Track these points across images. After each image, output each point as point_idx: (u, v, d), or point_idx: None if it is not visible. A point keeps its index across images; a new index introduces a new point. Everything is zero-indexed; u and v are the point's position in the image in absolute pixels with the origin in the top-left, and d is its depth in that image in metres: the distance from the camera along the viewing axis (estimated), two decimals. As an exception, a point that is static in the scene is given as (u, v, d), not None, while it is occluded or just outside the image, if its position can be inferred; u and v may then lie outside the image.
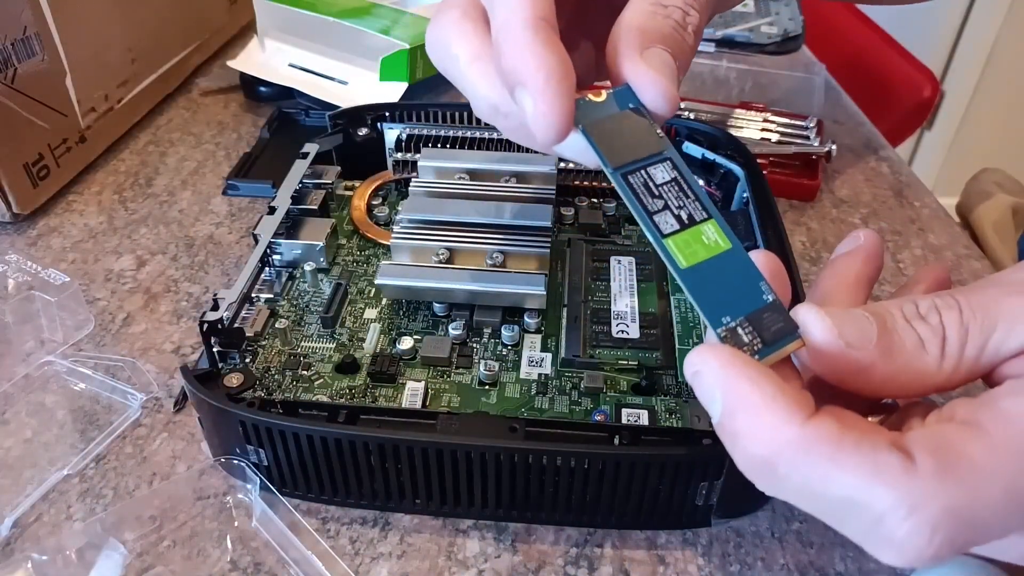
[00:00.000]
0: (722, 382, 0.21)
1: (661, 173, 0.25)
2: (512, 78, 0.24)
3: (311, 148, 0.44)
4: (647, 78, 0.24)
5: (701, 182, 0.45)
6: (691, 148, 0.45)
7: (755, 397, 0.21)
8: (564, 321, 0.37)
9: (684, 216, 0.24)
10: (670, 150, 0.25)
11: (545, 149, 0.26)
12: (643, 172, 0.25)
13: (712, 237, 0.24)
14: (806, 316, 0.23)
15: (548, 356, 0.35)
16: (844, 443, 0.20)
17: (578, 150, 0.25)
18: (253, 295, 0.37)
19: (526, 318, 0.37)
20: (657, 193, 0.25)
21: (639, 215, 0.24)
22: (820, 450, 0.20)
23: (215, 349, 0.33)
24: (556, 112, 0.23)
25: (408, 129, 0.46)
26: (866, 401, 0.25)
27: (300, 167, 0.43)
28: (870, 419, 0.25)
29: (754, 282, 0.24)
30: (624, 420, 0.32)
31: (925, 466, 0.19)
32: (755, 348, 0.23)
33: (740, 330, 0.23)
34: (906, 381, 0.22)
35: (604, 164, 0.25)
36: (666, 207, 0.24)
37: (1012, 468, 0.20)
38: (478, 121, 0.46)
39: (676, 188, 0.25)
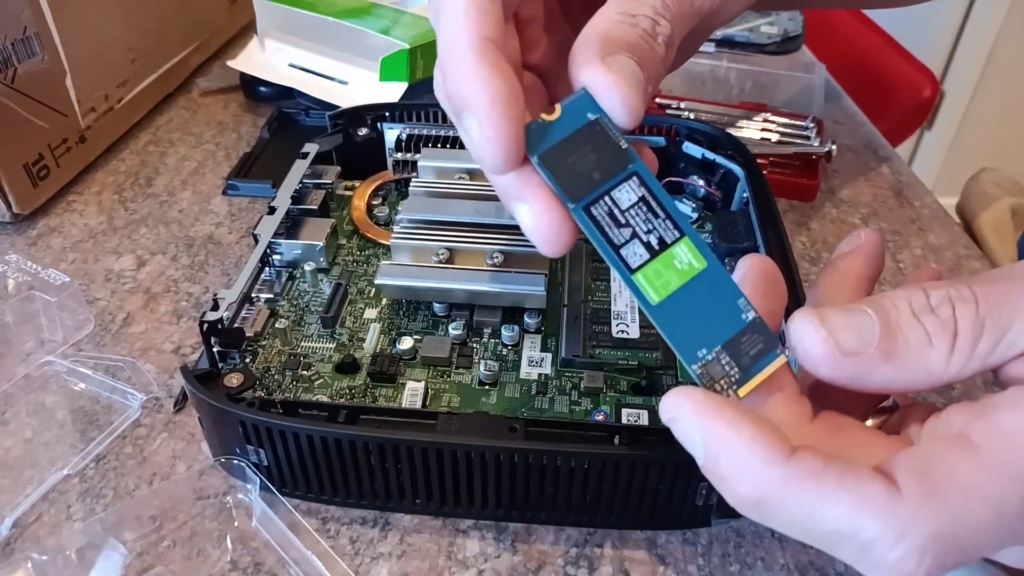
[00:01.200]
0: (699, 428, 0.21)
1: (627, 194, 0.23)
2: (456, 103, 0.23)
3: (311, 148, 0.44)
4: (606, 82, 0.22)
5: (700, 181, 0.45)
6: (691, 148, 0.45)
7: (734, 440, 0.21)
8: (564, 321, 0.37)
9: (654, 241, 0.23)
10: (635, 162, 0.23)
11: (496, 177, 0.24)
12: (607, 199, 0.23)
13: (685, 259, 0.23)
14: (800, 326, 0.22)
15: (548, 356, 0.35)
16: (828, 477, 0.20)
17: (535, 185, 0.23)
18: (253, 295, 0.37)
19: (526, 318, 0.37)
20: (623, 220, 0.23)
21: (604, 253, 0.23)
22: (805, 487, 0.20)
23: (215, 349, 0.33)
24: (502, 137, 0.22)
25: (408, 129, 0.46)
26: (868, 399, 0.25)
27: (300, 167, 0.43)
28: (869, 422, 0.25)
29: (732, 301, 0.23)
30: (624, 420, 0.32)
31: (910, 491, 0.19)
32: (733, 379, 0.22)
33: (716, 363, 0.22)
34: (910, 379, 0.22)
35: (564, 200, 0.23)
36: (634, 235, 0.23)
37: (1001, 489, 0.19)
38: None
39: (644, 208, 0.23)
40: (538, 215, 0.23)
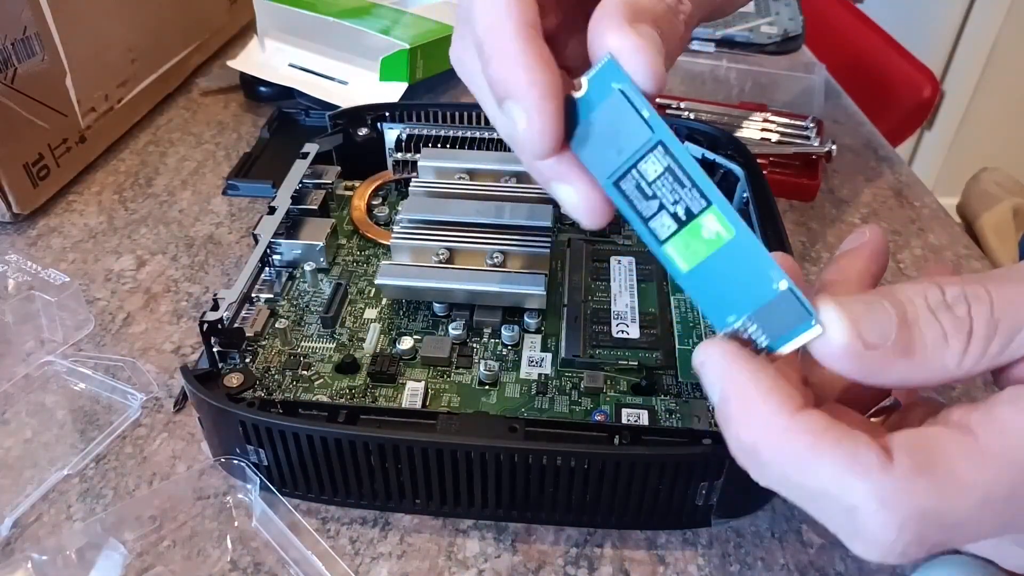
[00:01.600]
0: (721, 371, 0.22)
1: (653, 166, 0.23)
2: (501, 90, 0.23)
3: (311, 148, 0.44)
4: (634, 46, 0.22)
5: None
6: (691, 148, 0.45)
7: (750, 387, 0.21)
8: (564, 321, 0.37)
9: (681, 212, 0.23)
10: (660, 130, 0.23)
11: (535, 161, 0.25)
12: (635, 172, 0.23)
13: (713, 229, 0.23)
14: (822, 315, 0.22)
15: (548, 356, 0.35)
16: (826, 436, 0.20)
17: (578, 167, 0.24)
18: (253, 295, 0.37)
19: (526, 318, 0.37)
20: (651, 193, 0.23)
21: (635, 224, 0.23)
22: (802, 441, 0.20)
23: (215, 349, 0.33)
24: (551, 129, 0.23)
25: (408, 129, 0.46)
26: (869, 397, 0.25)
27: (300, 167, 0.43)
28: (871, 420, 0.25)
29: (763, 271, 0.22)
30: (624, 420, 0.32)
31: (902, 464, 0.20)
32: (760, 346, 0.22)
33: (745, 329, 0.22)
34: (923, 377, 0.21)
35: (596, 177, 0.23)
36: (661, 207, 0.23)
37: (991, 475, 0.20)
38: (478, 121, 0.46)
39: (670, 179, 0.23)
40: (584, 195, 0.24)
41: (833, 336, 0.21)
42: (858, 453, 0.20)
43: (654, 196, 0.23)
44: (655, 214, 0.23)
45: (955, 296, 0.21)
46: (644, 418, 0.32)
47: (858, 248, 0.26)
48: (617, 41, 0.22)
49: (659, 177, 0.23)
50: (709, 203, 0.23)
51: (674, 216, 0.23)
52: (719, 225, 0.23)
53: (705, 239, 0.23)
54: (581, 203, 0.24)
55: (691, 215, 0.23)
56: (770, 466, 0.21)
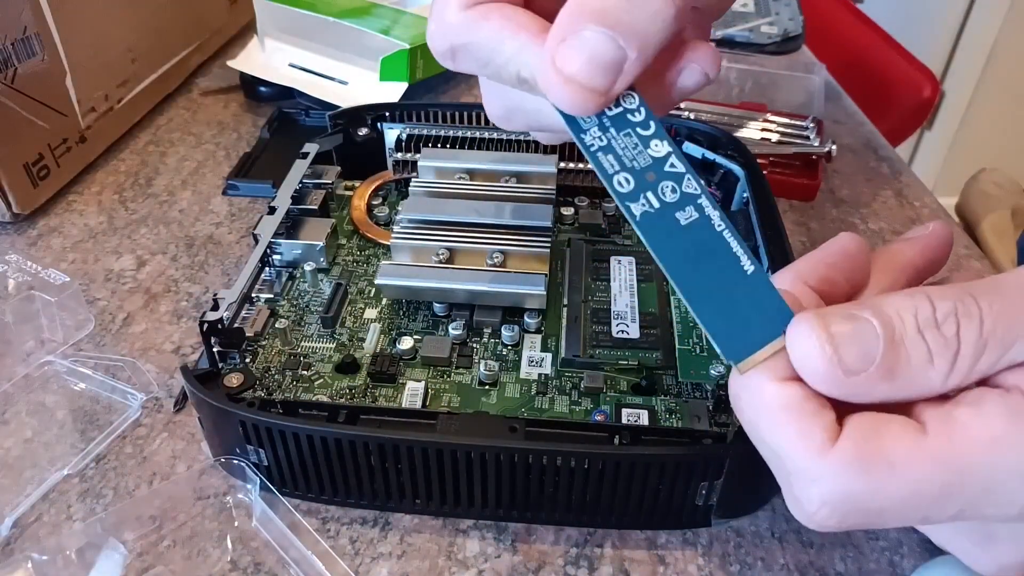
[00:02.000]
0: None
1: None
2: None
3: (311, 148, 0.44)
4: (548, 83, 0.22)
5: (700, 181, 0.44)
6: (691, 148, 0.45)
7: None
8: (564, 321, 0.37)
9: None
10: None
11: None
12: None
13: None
14: (804, 341, 0.21)
15: (548, 356, 0.35)
16: (791, 409, 0.21)
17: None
18: (253, 295, 0.37)
19: (526, 318, 0.37)
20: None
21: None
22: (770, 407, 0.21)
23: (215, 349, 0.33)
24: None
25: (408, 129, 0.46)
26: None
27: (300, 167, 0.43)
28: None
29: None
30: (624, 420, 0.32)
31: (843, 449, 0.20)
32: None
33: None
34: (904, 395, 0.21)
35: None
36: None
37: (927, 474, 0.20)
38: (478, 121, 0.46)
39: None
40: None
41: (813, 365, 0.21)
42: (806, 433, 0.21)
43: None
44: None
45: (945, 314, 0.21)
46: (644, 418, 0.32)
47: (913, 239, 0.26)
48: (541, 74, 0.22)
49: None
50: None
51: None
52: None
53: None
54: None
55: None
56: (742, 416, 0.23)
